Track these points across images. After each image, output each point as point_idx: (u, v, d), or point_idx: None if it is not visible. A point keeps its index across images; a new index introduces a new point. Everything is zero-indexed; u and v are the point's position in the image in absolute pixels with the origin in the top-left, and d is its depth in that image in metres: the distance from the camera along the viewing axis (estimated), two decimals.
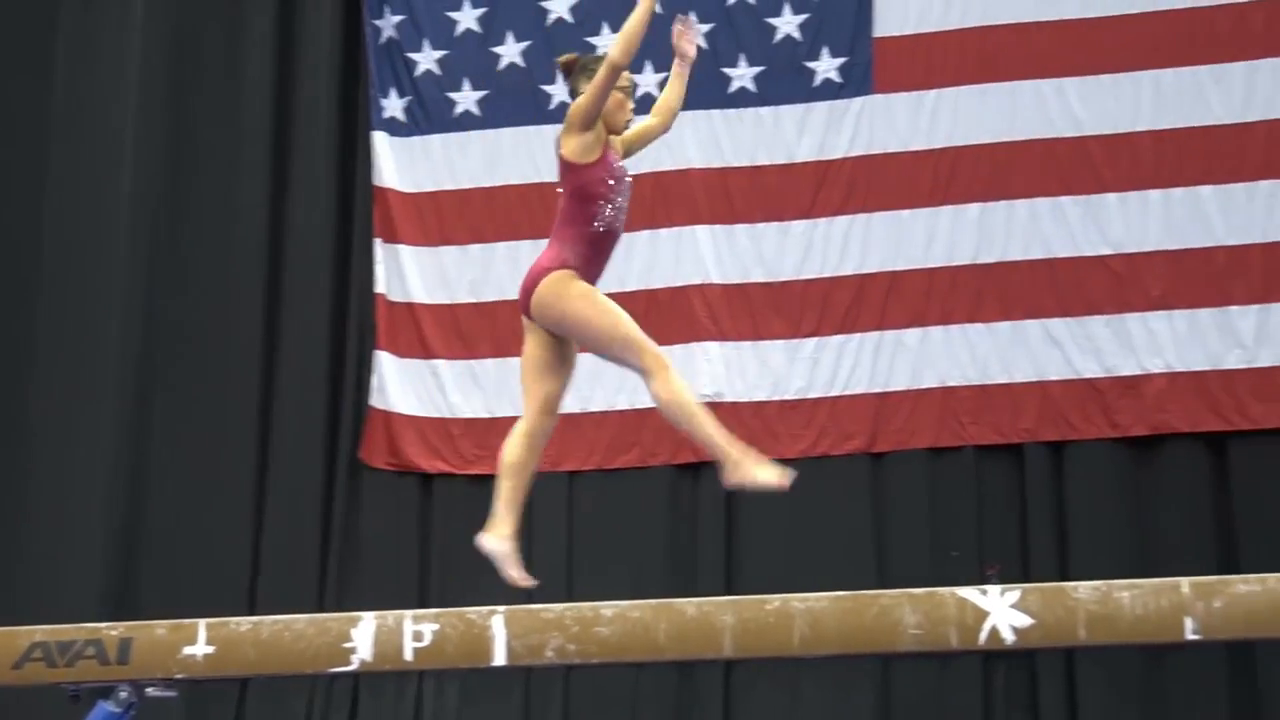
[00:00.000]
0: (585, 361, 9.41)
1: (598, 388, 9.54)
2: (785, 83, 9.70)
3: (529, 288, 5.76)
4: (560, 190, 5.80)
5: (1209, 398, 8.92)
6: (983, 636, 4.86)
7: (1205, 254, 9.02)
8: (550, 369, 5.87)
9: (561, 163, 5.77)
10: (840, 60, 9.64)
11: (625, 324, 5.71)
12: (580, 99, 5.70)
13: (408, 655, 5.01)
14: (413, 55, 10.09)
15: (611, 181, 5.77)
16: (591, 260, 5.80)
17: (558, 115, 9.74)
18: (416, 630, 5.00)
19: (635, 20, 5.59)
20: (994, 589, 4.89)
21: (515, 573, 5.83)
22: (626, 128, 5.94)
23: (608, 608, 4.97)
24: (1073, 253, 9.22)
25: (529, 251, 9.68)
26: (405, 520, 9.75)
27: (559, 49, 9.78)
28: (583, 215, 5.75)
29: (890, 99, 9.54)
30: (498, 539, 5.88)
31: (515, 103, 9.95)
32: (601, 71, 5.60)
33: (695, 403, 5.64)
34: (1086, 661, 8.75)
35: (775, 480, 5.47)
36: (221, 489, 9.88)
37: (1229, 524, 8.82)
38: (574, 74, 5.92)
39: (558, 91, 9.84)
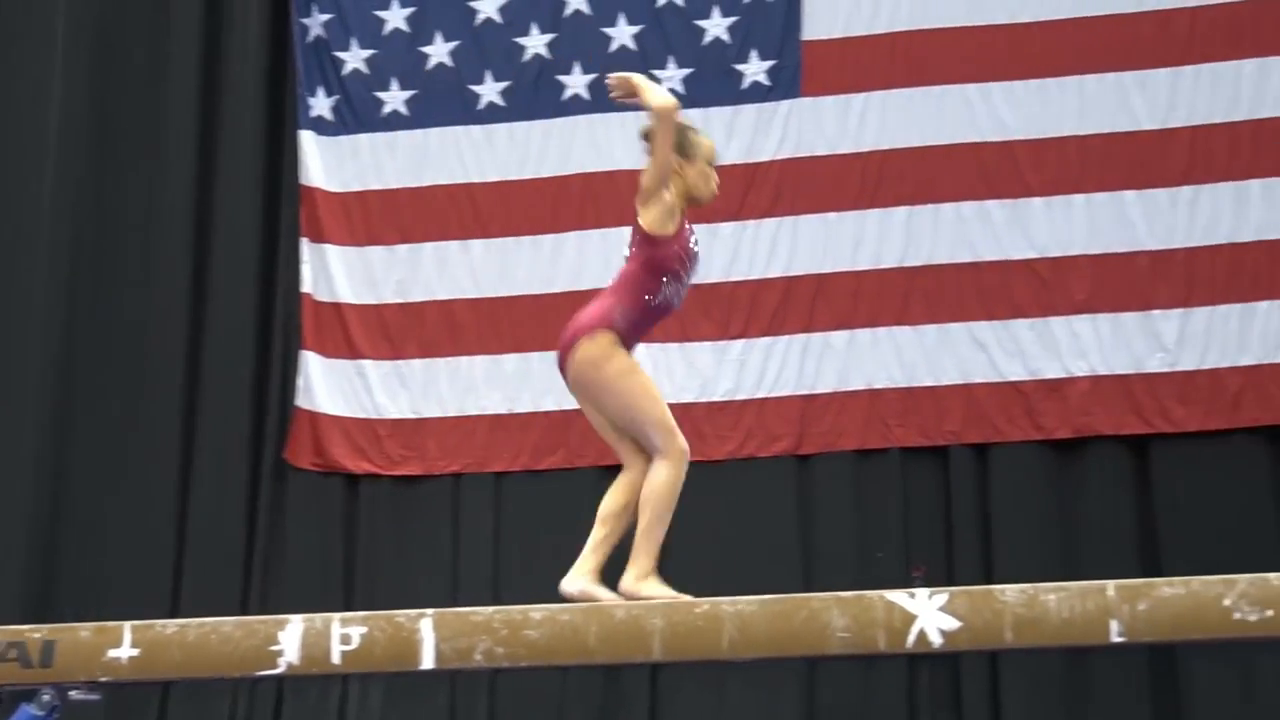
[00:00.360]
0: (511, 362, 9.53)
1: (524, 389, 9.54)
2: (714, 85, 9.71)
3: (569, 341, 5.57)
4: (628, 252, 5.64)
5: (1132, 401, 9.00)
6: (910, 639, 4.88)
7: (1128, 258, 9.10)
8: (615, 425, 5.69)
9: (639, 231, 5.59)
10: (769, 63, 9.66)
11: (662, 406, 5.58)
12: (650, 170, 5.51)
13: (335, 659, 4.97)
14: (340, 54, 10.04)
15: (685, 259, 5.61)
16: (637, 329, 5.62)
17: (487, 116, 9.81)
18: (344, 633, 4.96)
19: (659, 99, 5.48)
20: (922, 592, 4.91)
21: (607, 597, 5.57)
22: (711, 199, 5.75)
23: (537, 610, 4.96)
24: (998, 256, 9.28)
25: (457, 252, 9.72)
26: (330, 522, 9.69)
27: (488, 49, 9.84)
28: (645, 286, 5.56)
29: (818, 102, 9.57)
30: (574, 577, 5.67)
31: (444, 103, 9.91)
32: (659, 125, 5.44)
33: (670, 506, 5.60)
34: (1010, 662, 8.80)
35: (670, 598, 5.38)
36: (145, 490, 9.79)
37: (1151, 526, 8.91)
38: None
39: (486, 92, 9.83)
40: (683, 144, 5.60)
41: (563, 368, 5.63)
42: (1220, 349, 9.01)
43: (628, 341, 5.59)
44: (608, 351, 5.53)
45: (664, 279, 5.57)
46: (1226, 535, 8.58)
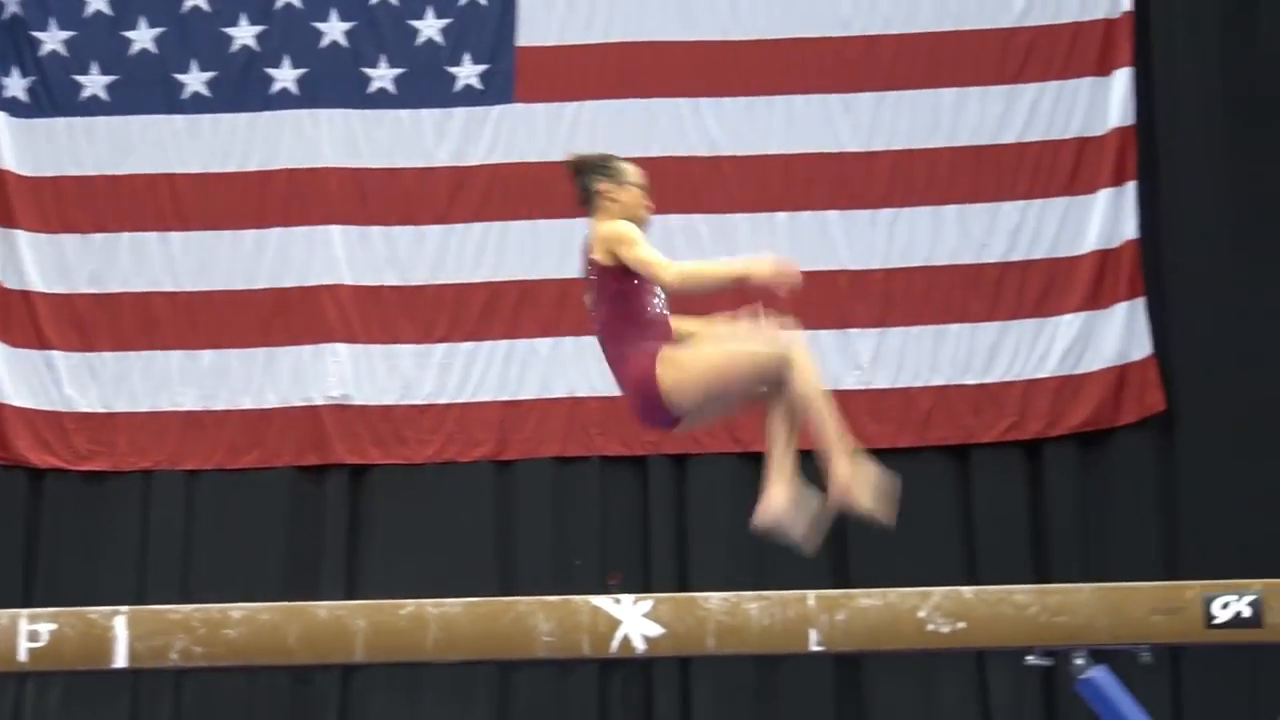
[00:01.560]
0: (208, 358, 9.33)
1: (221, 386, 9.35)
2: (425, 86, 9.64)
3: (652, 393, 5.46)
4: (592, 299, 5.60)
5: None
6: (614, 645, 4.92)
7: (829, 277, 9.27)
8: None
9: (595, 270, 5.54)
10: (482, 67, 9.63)
11: (742, 352, 5.47)
12: (631, 250, 5.44)
13: (21, 656, 4.81)
14: (38, 34, 9.70)
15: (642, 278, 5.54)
16: (668, 339, 5.55)
17: (191, 106, 9.59)
18: (32, 630, 4.81)
19: (719, 272, 5.49)
20: (626, 598, 4.95)
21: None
22: (649, 220, 5.75)
23: (237, 609, 4.87)
24: None
25: (155, 243, 9.49)
26: (12, 518, 9.36)
27: (194, 38, 9.62)
28: (636, 306, 5.53)
29: (530, 108, 9.57)
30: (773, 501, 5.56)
31: (146, 90, 9.65)
32: (654, 271, 5.42)
33: (824, 395, 5.47)
34: (701, 671, 8.91)
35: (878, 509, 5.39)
36: None
37: (843, 536, 9.06)
38: (583, 173, 5.73)
39: (191, 81, 9.63)
40: (611, 172, 5.66)
41: (666, 421, 5.55)
42: (913, 369, 9.25)
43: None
44: (678, 364, 5.46)
45: (643, 292, 5.54)
46: (917, 548, 8.81)
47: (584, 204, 5.76)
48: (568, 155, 5.83)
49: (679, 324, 5.65)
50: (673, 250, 9.14)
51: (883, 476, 5.44)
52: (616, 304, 5.57)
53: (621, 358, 5.58)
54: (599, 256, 5.56)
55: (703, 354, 5.51)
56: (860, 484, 5.46)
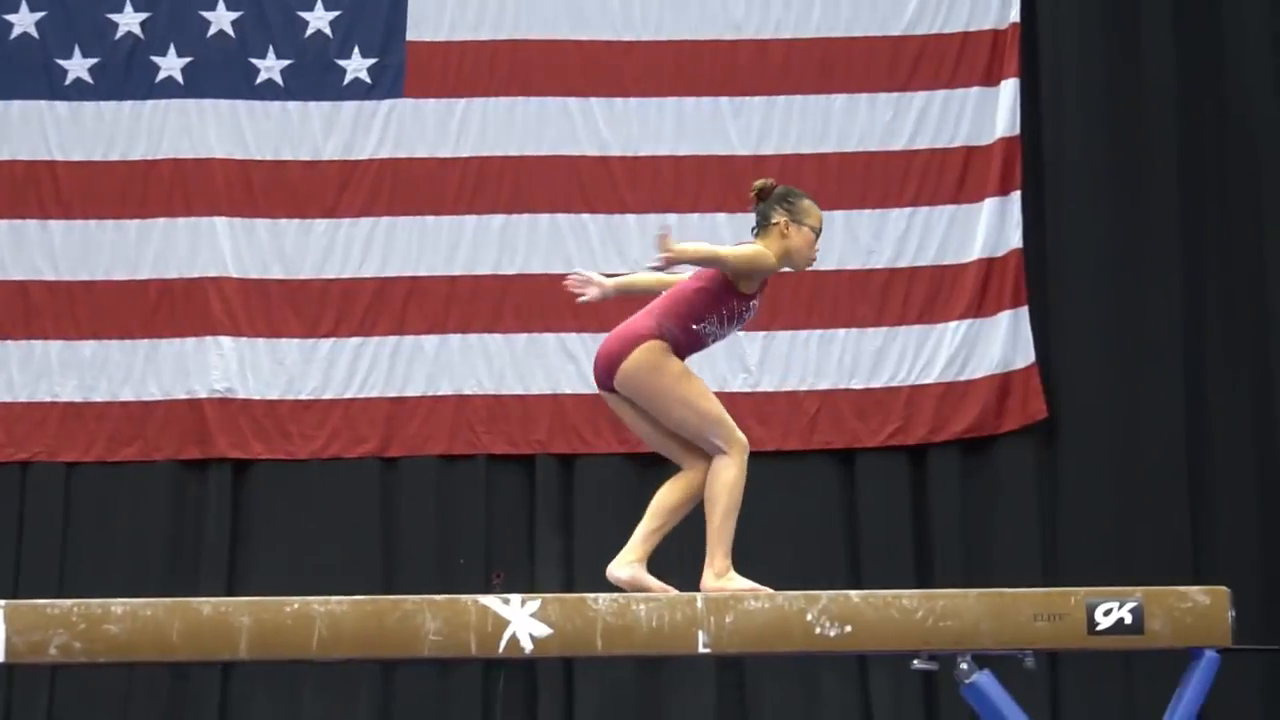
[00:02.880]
0: (89, 349, 9.19)
1: (101, 377, 9.23)
2: (314, 79, 9.56)
3: (618, 351, 5.59)
4: (691, 276, 5.67)
5: None
6: (502, 644, 4.91)
7: None
8: (666, 431, 5.69)
9: (723, 277, 5.60)
10: (371, 61, 9.56)
11: (719, 405, 5.62)
12: (755, 257, 5.58)
13: None
14: None
15: (736, 316, 5.68)
16: (680, 349, 5.65)
17: (74, 92, 9.48)
18: None
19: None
20: (515, 598, 4.94)
21: (657, 586, 5.57)
22: (807, 266, 5.82)
23: (118, 605, 4.79)
24: (591, 270, 9.33)
25: (35, 231, 9.43)
26: None
27: (77, 23, 9.49)
28: (698, 311, 5.62)
29: (420, 104, 9.52)
30: (623, 564, 5.67)
31: (27, 76, 9.54)
32: (744, 265, 5.56)
33: (738, 501, 5.60)
34: (585, 672, 8.91)
35: (751, 590, 5.42)
36: None
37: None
38: (768, 200, 5.75)
39: (74, 67, 9.49)
40: (793, 209, 5.69)
41: (606, 377, 5.64)
42: (800, 373, 9.30)
43: (677, 354, 5.63)
44: (663, 358, 5.59)
45: (711, 317, 5.64)
46: (802, 552, 8.85)
47: (757, 229, 5.80)
48: (759, 179, 5.86)
49: None
50: (562, 249, 9.28)
51: (748, 588, 5.49)
52: (694, 293, 5.66)
53: (642, 314, 5.70)
54: (735, 279, 5.64)
55: (692, 378, 5.65)
56: (730, 580, 5.58)
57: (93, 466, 9.23)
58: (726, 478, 5.62)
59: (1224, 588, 5.17)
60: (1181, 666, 5.17)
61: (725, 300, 5.68)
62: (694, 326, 5.67)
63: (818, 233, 5.78)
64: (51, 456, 9.20)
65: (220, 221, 9.39)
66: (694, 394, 5.64)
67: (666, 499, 5.76)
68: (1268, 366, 9.10)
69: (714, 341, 5.79)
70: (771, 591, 5.26)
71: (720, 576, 5.59)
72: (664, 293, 5.79)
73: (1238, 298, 9.25)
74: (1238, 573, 8.42)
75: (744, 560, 8.88)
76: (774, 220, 5.74)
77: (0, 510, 9.18)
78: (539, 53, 9.57)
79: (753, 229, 5.83)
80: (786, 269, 5.83)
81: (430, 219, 9.39)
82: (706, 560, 5.63)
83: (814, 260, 5.84)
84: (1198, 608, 5.05)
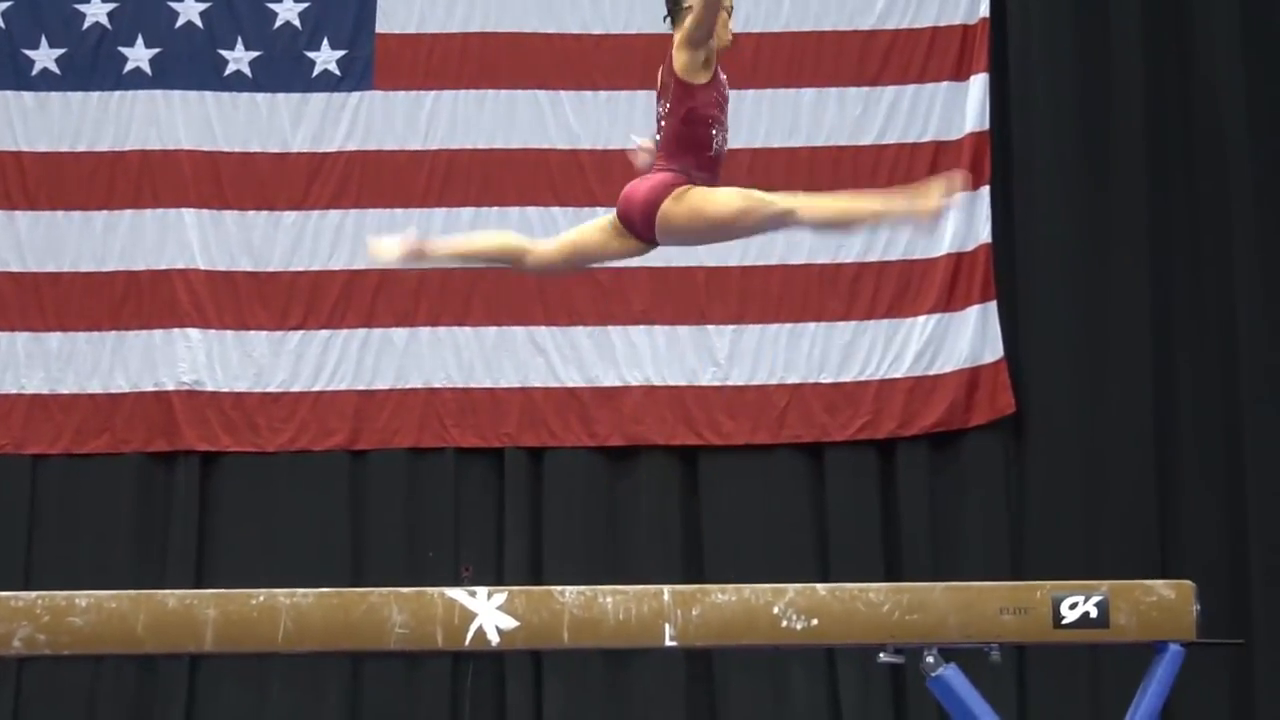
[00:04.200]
0: (55, 340, 9.14)
1: (69, 369, 9.19)
2: (283, 70, 9.52)
3: (650, 204, 5.64)
4: (664, 115, 5.70)
5: (683, 412, 9.21)
6: (469, 637, 4.91)
7: (687, 273, 9.29)
8: (604, 256, 5.93)
9: (676, 84, 5.62)
10: (340, 53, 9.53)
11: (752, 196, 5.67)
12: (690, 19, 5.56)
13: None
14: None
15: (723, 101, 5.69)
16: (707, 178, 5.71)
17: (41, 83, 9.42)
18: None
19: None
20: (481, 591, 4.94)
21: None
22: (730, 44, 5.78)
23: (83, 597, 4.78)
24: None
25: (2, 222, 9.28)
26: None
27: (44, 13, 9.48)
28: (698, 139, 5.66)
29: (390, 96, 9.49)
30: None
31: None
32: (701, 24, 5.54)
33: (838, 205, 5.74)
34: (554, 665, 8.91)
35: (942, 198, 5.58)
36: None
37: (696, 533, 9.14)
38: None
39: (41, 58, 9.45)
40: None
41: (640, 227, 5.70)
42: (769, 366, 9.30)
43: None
44: (695, 193, 5.64)
45: (712, 128, 5.66)
46: (770, 545, 8.87)
47: (669, 17, 5.79)
48: None
49: None
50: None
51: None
52: (685, 125, 5.68)
53: (657, 169, 5.75)
54: (677, 68, 5.66)
55: (717, 193, 5.69)
56: (926, 196, 5.70)
57: (59, 459, 9.18)
58: (821, 215, 5.77)
59: (1189, 582, 5.20)
60: (1147, 660, 5.20)
61: (706, 100, 5.67)
62: (709, 152, 5.70)
63: (729, 10, 5.79)
64: (18, 449, 9.15)
65: (188, 213, 9.35)
66: (732, 201, 5.68)
67: (491, 239, 6.39)
68: (1235, 361, 9.13)
69: (725, 144, 5.78)
70: None
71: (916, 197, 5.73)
72: (658, 143, 5.81)
73: (1205, 292, 9.28)
74: (1204, 567, 8.48)
75: (714, 553, 8.97)
76: (685, 3, 5.71)
77: None
78: (509, 45, 9.55)
79: (664, 18, 5.81)
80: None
81: (400, 211, 9.37)
82: (906, 208, 5.78)
83: (731, 38, 5.81)
84: (1163, 602, 5.08)
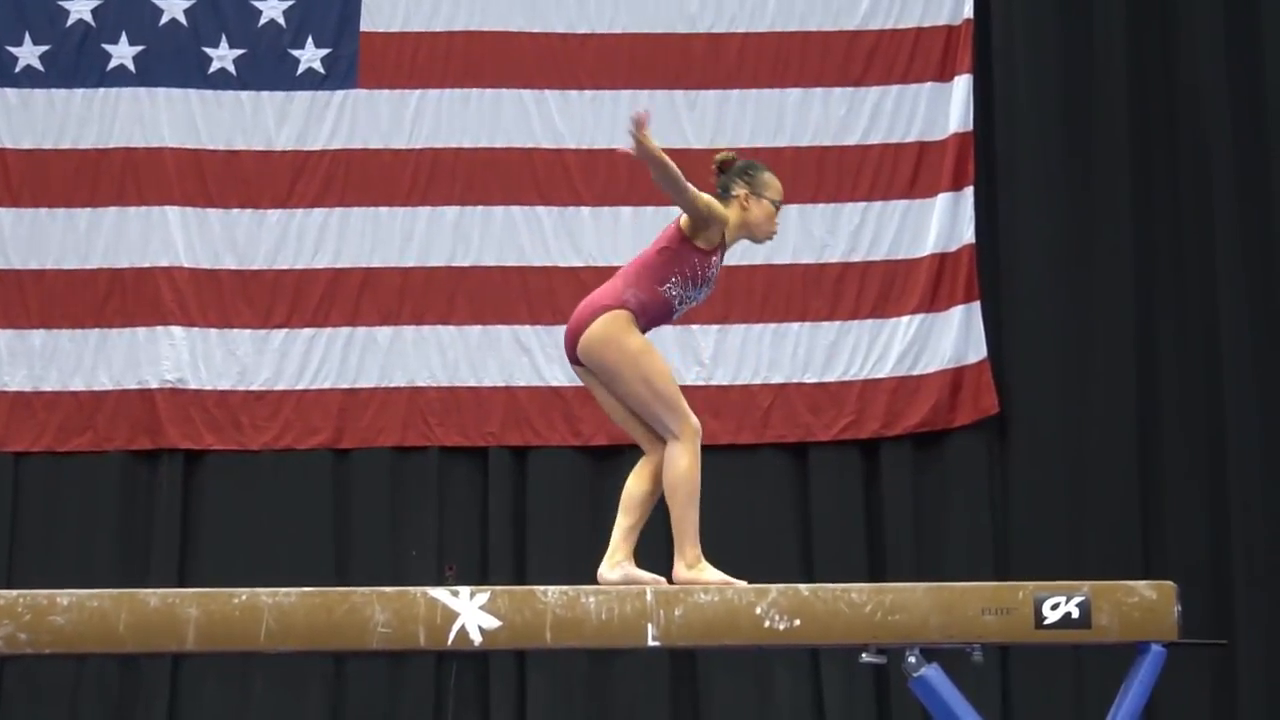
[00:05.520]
0: (38, 338, 9.13)
1: (51, 366, 9.18)
2: (267, 68, 9.52)
3: (584, 319, 5.62)
4: (654, 240, 5.74)
5: None
6: (451, 637, 4.90)
7: None
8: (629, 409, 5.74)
9: (675, 227, 5.66)
10: (324, 51, 9.53)
11: (675, 388, 5.65)
12: (723, 220, 5.68)
13: None
14: None
15: (700, 276, 5.69)
16: (648, 316, 5.69)
17: (25, 80, 9.41)
18: None
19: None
20: (464, 590, 4.94)
21: (650, 579, 5.57)
22: (768, 239, 5.91)
23: (64, 596, 4.77)
24: (545, 262, 9.38)
25: None
26: None
27: (28, 11, 9.45)
28: (661, 273, 5.64)
29: (374, 95, 9.49)
30: (611, 565, 5.69)
31: None
32: (702, 207, 5.60)
33: (696, 487, 5.60)
34: (537, 664, 8.91)
35: (722, 582, 5.42)
36: None
37: None
38: (729, 173, 5.81)
39: (25, 55, 9.46)
40: (754, 182, 5.74)
41: (572, 346, 5.67)
42: (753, 366, 9.31)
43: (641, 325, 5.65)
44: (625, 330, 5.60)
45: (675, 278, 5.65)
46: (753, 545, 8.87)
47: (722, 191, 5.84)
48: (721, 153, 5.93)
49: None
50: (516, 242, 9.28)
51: (719, 580, 5.50)
52: (656, 254, 5.69)
53: (608, 283, 5.74)
54: (683, 223, 5.70)
55: (654, 354, 5.68)
56: (703, 572, 5.59)
57: (42, 457, 9.17)
58: (680, 466, 5.64)
59: (1170, 583, 5.20)
60: (1129, 660, 5.20)
61: (687, 259, 5.69)
62: (659, 288, 5.68)
63: (778, 205, 5.84)
64: (1, 446, 9.13)
65: (172, 211, 9.34)
66: (652, 372, 5.66)
67: (634, 490, 5.80)
68: (1218, 362, 9.15)
69: (682, 306, 5.78)
70: (745, 585, 5.25)
71: (691, 567, 5.61)
72: (628, 263, 5.81)
73: (1188, 293, 9.31)
74: (1186, 568, 8.50)
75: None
76: (734, 193, 5.79)
77: None
78: (493, 45, 9.55)
79: (717, 186, 5.87)
80: (747, 239, 5.89)
81: (384, 210, 9.38)
82: (676, 552, 5.64)
83: (774, 233, 5.91)
84: (1145, 602, 5.08)
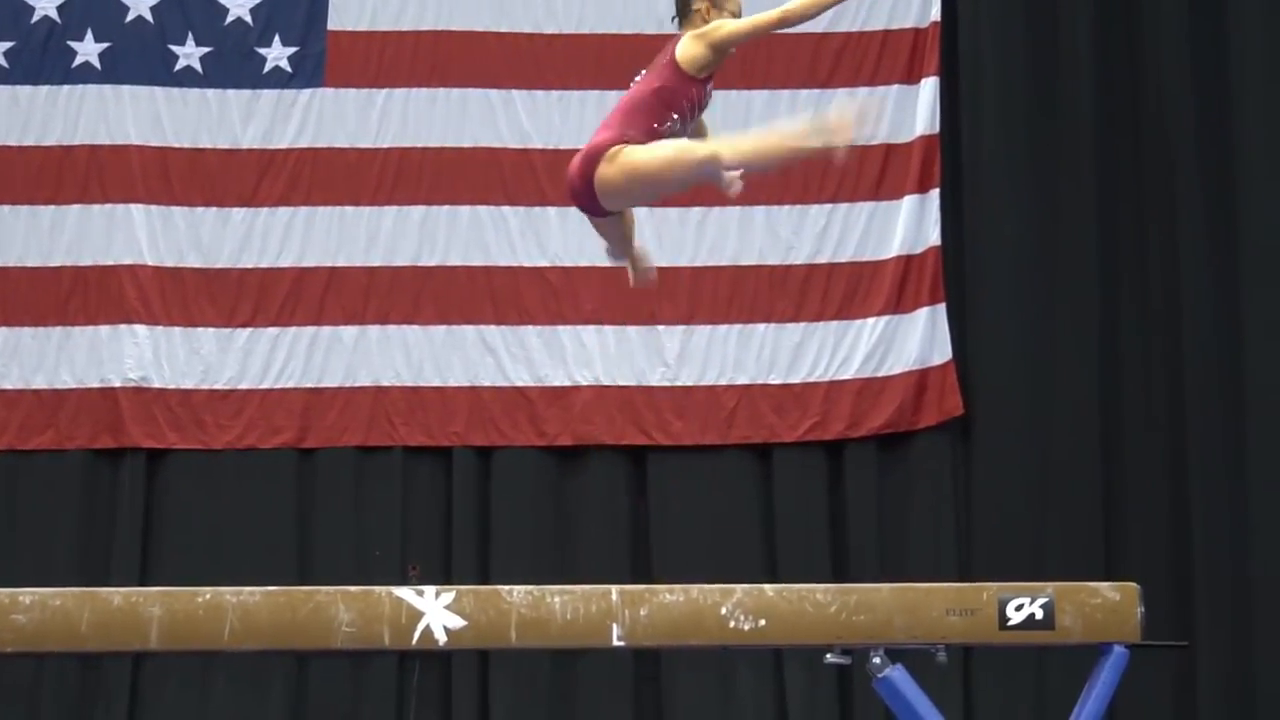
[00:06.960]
0: None
1: (13, 364, 9.14)
2: (233, 66, 9.48)
3: (585, 174, 5.64)
4: (641, 79, 5.74)
5: (633, 412, 9.21)
6: (416, 636, 4.90)
7: (624, 274, 9.27)
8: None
9: (671, 63, 5.63)
10: (291, 49, 9.50)
11: (680, 145, 5.64)
12: (737, 26, 5.64)
13: None
14: None
15: (698, 106, 5.70)
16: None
17: None
18: None
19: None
20: (429, 590, 4.93)
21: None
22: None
23: (26, 594, 4.75)
24: (511, 262, 9.37)
25: None
26: None
27: None
28: (656, 113, 5.62)
29: (341, 94, 9.46)
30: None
31: None
32: (773, 16, 5.60)
33: (758, 144, 5.74)
34: (501, 663, 8.90)
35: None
36: None
37: (644, 532, 9.15)
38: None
39: None
40: None
41: (580, 192, 5.71)
42: (718, 367, 9.31)
43: None
44: (628, 152, 5.59)
45: (673, 114, 5.64)
46: (717, 545, 8.88)
47: (679, 16, 5.86)
48: None
49: None
50: (482, 241, 9.27)
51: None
52: (655, 96, 5.68)
53: (600, 127, 5.76)
54: (683, 59, 5.66)
55: (652, 150, 5.63)
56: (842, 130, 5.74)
57: (2, 455, 9.13)
58: (743, 157, 5.65)
59: (1134, 584, 5.23)
60: (1092, 662, 5.23)
61: (686, 92, 5.70)
62: (656, 126, 5.68)
63: (738, 16, 5.82)
64: None
65: (136, 209, 9.30)
66: (667, 156, 5.64)
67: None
68: (1182, 364, 9.19)
69: (679, 131, 5.76)
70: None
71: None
72: (620, 99, 5.82)
73: (1153, 296, 9.35)
74: (1149, 569, 8.53)
75: (663, 553, 8.98)
76: (695, 6, 5.77)
77: None
78: (461, 44, 9.53)
79: (672, 19, 5.87)
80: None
81: (349, 209, 9.36)
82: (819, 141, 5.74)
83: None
84: (1108, 604, 5.11)
